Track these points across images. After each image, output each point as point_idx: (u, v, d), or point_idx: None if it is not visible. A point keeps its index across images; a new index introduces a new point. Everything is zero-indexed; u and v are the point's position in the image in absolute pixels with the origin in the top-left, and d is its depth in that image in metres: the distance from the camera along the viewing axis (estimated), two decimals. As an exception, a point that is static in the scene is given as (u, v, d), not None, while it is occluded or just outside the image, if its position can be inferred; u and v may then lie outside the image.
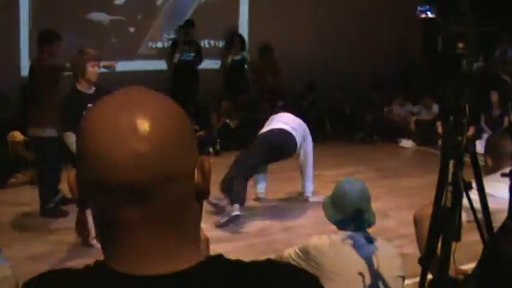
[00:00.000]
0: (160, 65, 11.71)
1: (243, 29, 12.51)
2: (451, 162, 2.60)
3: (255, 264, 1.13)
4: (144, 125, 1.00)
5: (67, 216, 6.72)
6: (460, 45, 2.68)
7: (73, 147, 5.28)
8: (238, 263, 1.11)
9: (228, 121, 11.30)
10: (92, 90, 5.98)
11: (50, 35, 6.88)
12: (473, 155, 2.74)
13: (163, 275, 1.03)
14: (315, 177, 7.66)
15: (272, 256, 3.67)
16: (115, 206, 1.02)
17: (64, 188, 6.85)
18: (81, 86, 5.97)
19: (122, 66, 10.48)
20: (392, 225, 6.41)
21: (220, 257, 1.11)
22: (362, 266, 3.09)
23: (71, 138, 5.56)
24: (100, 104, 1.07)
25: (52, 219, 6.82)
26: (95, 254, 1.12)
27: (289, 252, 3.32)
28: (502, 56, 11.57)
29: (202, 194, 1.10)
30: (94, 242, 5.59)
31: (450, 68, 2.73)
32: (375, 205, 3.40)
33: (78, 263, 5.14)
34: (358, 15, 12.86)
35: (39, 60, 6.89)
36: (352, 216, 3.25)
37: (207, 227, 6.03)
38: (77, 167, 1.06)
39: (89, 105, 5.33)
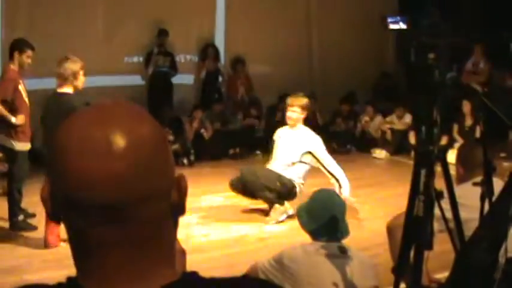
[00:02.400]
0: (136, 80, 11.66)
1: (219, 42, 12.53)
2: (423, 172, 2.62)
3: (230, 282, 1.10)
4: (119, 144, 0.97)
5: (36, 230, 6.67)
6: (432, 55, 2.71)
7: None
8: (213, 281, 1.08)
9: (202, 131, 11.29)
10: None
11: (22, 44, 6.85)
12: (445, 164, 2.76)
13: None
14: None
15: (246, 267, 3.66)
16: (89, 224, 0.99)
17: (29, 201, 6.84)
18: (67, 89, 6.13)
19: (98, 81, 10.47)
20: (366, 235, 6.42)
21: (194, 274, 1.08)
22: (336, 276, 3.09)
23: None
24: (74, 118, 1.03)
25: (22, 232, 6.73)
26: (67, 266, 1.10)
27: (264, 263, 3.31)
28: (474, 67, 11.70)
29: (179, 212, 1.08)
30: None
31: (422, 78, 2.75)
32: (348, 215, 3.41)
33: (50, 275, 5.09)
34: (332, 27, 12.94)
35: (4, 70, 6.91)
36: (326, 225, 3.25)
37: (182, 238, 5.98)
38: (50, 182, 1.03)
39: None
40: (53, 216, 1.06)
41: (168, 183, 1.04)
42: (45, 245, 6.17)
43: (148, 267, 1.03)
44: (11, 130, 6.72)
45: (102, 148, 0.97)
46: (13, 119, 6.66)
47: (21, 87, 6.80)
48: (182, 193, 1.07)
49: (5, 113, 6.64)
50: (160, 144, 1.03)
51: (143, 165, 0.98)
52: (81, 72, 6.16)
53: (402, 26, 2.83)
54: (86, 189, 0.96)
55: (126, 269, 1.01)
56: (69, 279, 1.06)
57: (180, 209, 1.08)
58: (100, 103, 1.06)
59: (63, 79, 6.14)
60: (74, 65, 6.12)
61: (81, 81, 6.18)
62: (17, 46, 6.84)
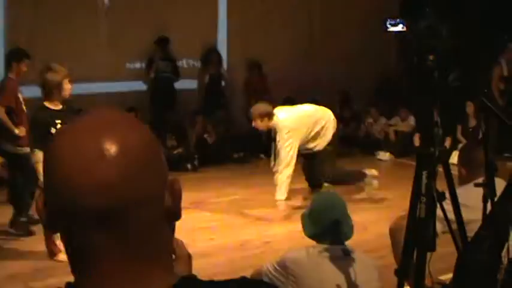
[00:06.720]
0: (139, 86, 11.67)
1: (222, 46, 12.53)
2: (424, 173, 2.62)
3: (228, 284, 1.11)
4: (110, 150, 0.99)
5: (32, 236, 6.70)
6: (431, 57, 2.72)
7: (40, 165, 4.85)
8: (211, 284, 1.09)
9: (205, 136, 11.29)
10: (60, 107, 5.81)
11: (19, 54, 6.93)
12: (446, 165, 2.77)
13: None
14: (295, 190, 7.84)
15: (250, 271, 3.67)
16: (83, 231, 1.00)
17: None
18: (50, 103, 5.77)
19: (100, 87, 10.50)
20: (370, 237, 6.41)
21: (192, 278, 1.09)
22: (340, 278, 3.09)
23: (38, 156, 5.42)
24: (67, 127, 1.05)
25: (28, 239, 6.74)
26: (68, 272, 1.11)
27: (267, 267, 3.31)
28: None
29: (173, 216, 1.09)
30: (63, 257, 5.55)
31: (422, 80, 2.76)
32: (352, 217, 3.40)
33: (55, 282, 5.10)
34: (335, 31, 12.95)
35: (5, 79, 6.95)
36: (329, 228, 3.24)
37: (187, 243, 5.96)
38: (45, 191, 1.05)
39: (57, 121, 5.49)
40: (49, 226, 1.08)
41: (160, 188, 1.05)
42: (49, 255, 6.04)
43: (144, 271, 1.04)
44: (13, 137, 6.77)
45: (93, 155, 0.98)
46: (16, 131, 6.73)
47: (19, 96, 6.92)
48: (176, 197, 1.08)
49: (10, 124, 6.73)
50: (151, 150, 1.05)
51: (134, 172, 1.00)
52: (65, 81, 5.76)
53: (401, 28, 2.84)
54: (78, 196, 0.97)
55: (122, 274, 1.02)
56: (68, 284, 1.07)
57: (175, 213, 1.08)
58: (91, 111, 1.07)
59: (46, 91, 5.79)
60: (55, 76, 5.74)
61: (66, 90, 5.77)
62: (15, 56, 6.93)
